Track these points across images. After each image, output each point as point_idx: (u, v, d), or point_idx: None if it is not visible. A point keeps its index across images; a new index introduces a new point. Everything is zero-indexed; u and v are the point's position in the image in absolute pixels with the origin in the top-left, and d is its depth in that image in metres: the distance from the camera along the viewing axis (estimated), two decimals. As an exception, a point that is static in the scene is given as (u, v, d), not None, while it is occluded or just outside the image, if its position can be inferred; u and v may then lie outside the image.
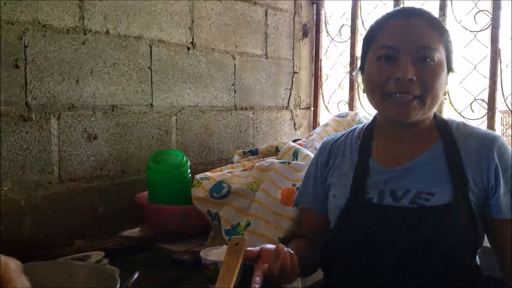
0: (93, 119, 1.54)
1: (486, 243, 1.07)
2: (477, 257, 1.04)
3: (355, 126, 1.21)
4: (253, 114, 2.07)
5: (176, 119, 1.79)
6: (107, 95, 1.57)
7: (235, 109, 1.98)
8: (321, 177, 1.17)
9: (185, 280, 1.19)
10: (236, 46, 1.96)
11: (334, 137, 1.21)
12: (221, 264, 0.90)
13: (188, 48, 1.80)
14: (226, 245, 1.09)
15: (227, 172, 1.54)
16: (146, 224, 1.58)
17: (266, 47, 2.13)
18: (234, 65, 1.96)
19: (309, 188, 1.20)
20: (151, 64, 1.69)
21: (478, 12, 1.89)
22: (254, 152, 1.81)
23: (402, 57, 0.98)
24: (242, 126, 2.03)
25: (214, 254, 1.15)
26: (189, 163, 1.57)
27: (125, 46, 1.61)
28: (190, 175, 1.57)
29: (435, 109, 1.06)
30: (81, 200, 1.54)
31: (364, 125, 1.19)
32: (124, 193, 1.64)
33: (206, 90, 1.86)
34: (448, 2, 1.94)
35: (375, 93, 1.04)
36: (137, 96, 1.66)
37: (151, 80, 1.70)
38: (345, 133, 1.20)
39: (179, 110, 1.80)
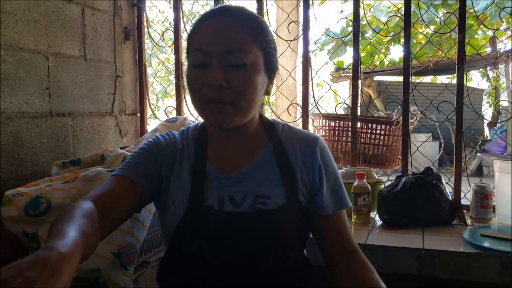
0: None
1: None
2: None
3: (186, 127, 1.15)
4: (72, 120, 1.88)
5: (-24, 128, 1.51)
6: None
7: (51, 116, 1.77)
8: (158, 158, 1.05)
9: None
10: (50, 46, 1.76)
11: (176, 134, 1.12)
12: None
13: (-10, 46, 1.55)
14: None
15: (45, 186, 1.36)
16: None
17: (85, 48, 1.96)
18: (48, 66, 1.75)
19: (138, 163, 1.04)
20: None
21: (291, 22, 2.07)
22: (76, 163, 1.64)
23: (213, 61, 0.95)
24: (60, 135, 1.82)
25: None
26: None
27: None
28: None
29: (255, 112, 1.05)
30: None
31: (196, 125, 1.14)
32: None
33: (15, 94, 1.61)
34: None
35: (195, 100, 1.00)
36: None
37: None
38: (179, 134, 1.12)
39: (-20, 118, 1.52)
